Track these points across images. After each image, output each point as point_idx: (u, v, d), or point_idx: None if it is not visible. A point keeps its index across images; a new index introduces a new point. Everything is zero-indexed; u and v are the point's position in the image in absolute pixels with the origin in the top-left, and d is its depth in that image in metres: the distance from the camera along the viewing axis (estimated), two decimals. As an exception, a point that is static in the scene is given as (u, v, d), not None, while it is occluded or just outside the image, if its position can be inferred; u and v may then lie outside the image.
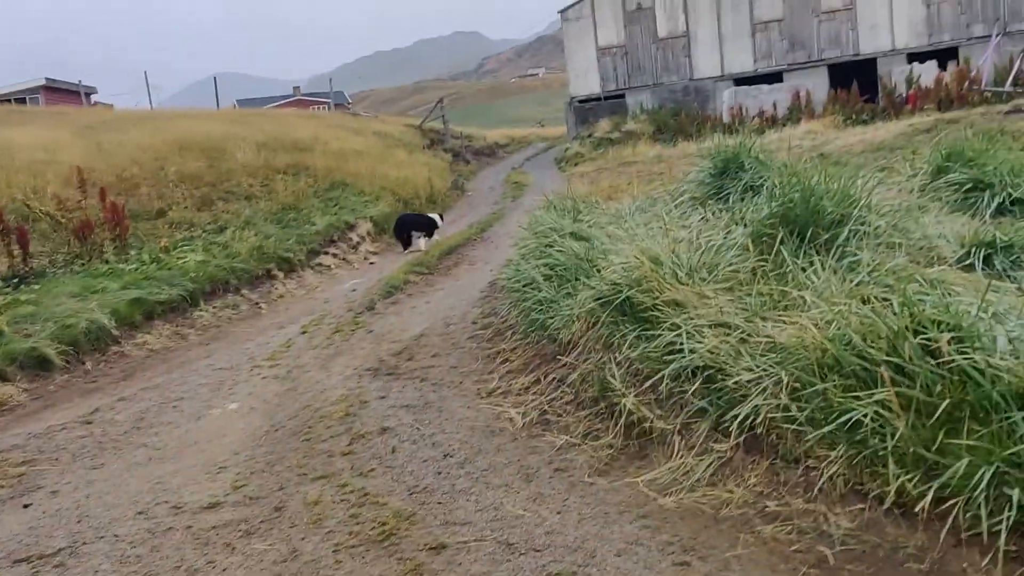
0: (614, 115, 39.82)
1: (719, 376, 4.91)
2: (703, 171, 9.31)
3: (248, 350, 9.92)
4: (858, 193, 6.50)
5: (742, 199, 8.02)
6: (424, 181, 26.05)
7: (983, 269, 5.82)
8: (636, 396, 5.45)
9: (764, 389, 4.56)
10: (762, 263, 5.86)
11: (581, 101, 42.55)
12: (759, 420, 4.53)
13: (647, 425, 5.28)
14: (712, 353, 5.02)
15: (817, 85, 35.57)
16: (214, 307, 12.41)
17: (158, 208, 16.93)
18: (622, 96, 41.45)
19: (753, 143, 9.23)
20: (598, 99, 42.07)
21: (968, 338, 3.99)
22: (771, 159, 8.99)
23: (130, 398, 8.20)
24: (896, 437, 3.83)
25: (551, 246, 8.19)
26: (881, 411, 3.92)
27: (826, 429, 4.11)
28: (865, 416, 3.94)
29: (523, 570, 4.06)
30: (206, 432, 6.88)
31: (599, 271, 6.69)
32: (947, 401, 3.77)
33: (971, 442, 3.61)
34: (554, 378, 6.60)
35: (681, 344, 5.22)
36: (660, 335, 5.45)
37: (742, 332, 5.08)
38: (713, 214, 7.68)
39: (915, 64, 33.69)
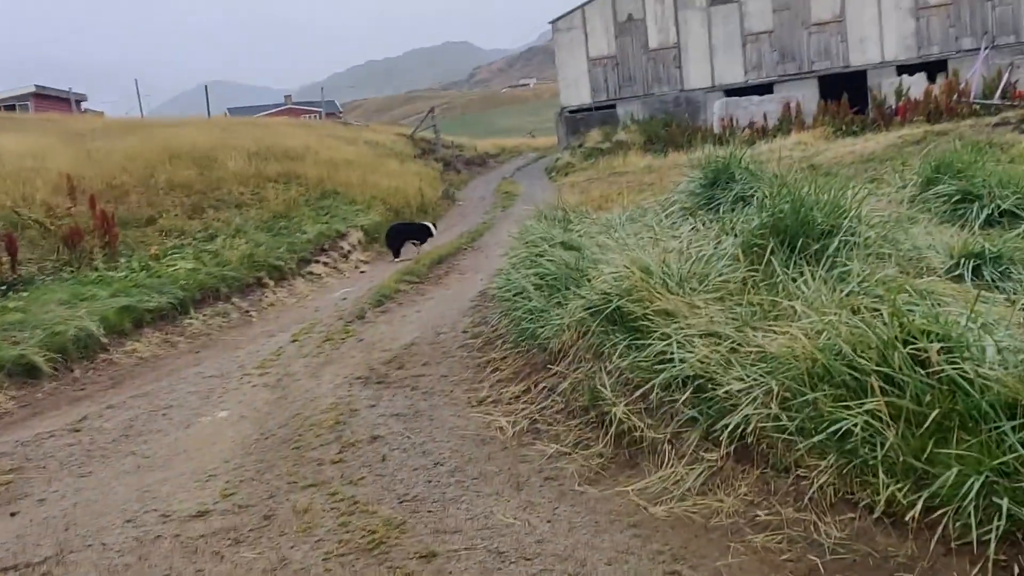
0: (605, 125, 39.92)
1: (709, 385, 4.92)
2: (693, 181, 9.33)
3: (238, 358, 9.89)
4: (848, 204, 6.52)
5: (732, 209, 8.03)
6: (415, 190, 26.05)
7: (972, 280, 5.84)
8: (626, 405, 5.45)
9: (754, 399, 4.56)
10: (752, 273, 5.87)
11: (572, 111, 42.66)
12: (749, 429, 4.53)
13: (637, 434, 5.28)
14: (702, 363, 5.02)
15: (807, 96, 35.74)
16: (204, 315, 12.38)
17: (148, 216, 16.87)
18: (613, 107, 41.56)
19: (743, 154, 9.26)
20: (589, 109, 42.18)
21: (957, 348, 4.01)
22: (761, 170, 9.01)
23: (119, 406, 8.16)
24: (886, 447, 3.84)
25: (541, 255, 8.20)
26: (871, 421, 3.93)
27: (816, 438, 4.12)
28: (855, 426, 3.95)
29: (513, 579, 4.06)
30: (195, 440, 6.85)
31: (589, 281, 6.70)
32: (937, 411, 3.78)
33: (961, 452, 3.63)
34: (544, 387, 6.60)
35: (671, 354, 5.23)
36: (650, 344, 5.46)
37: (732, 342, 5.09)
38: (704, 224, 7.69)
39: (904, 76, 33.91)
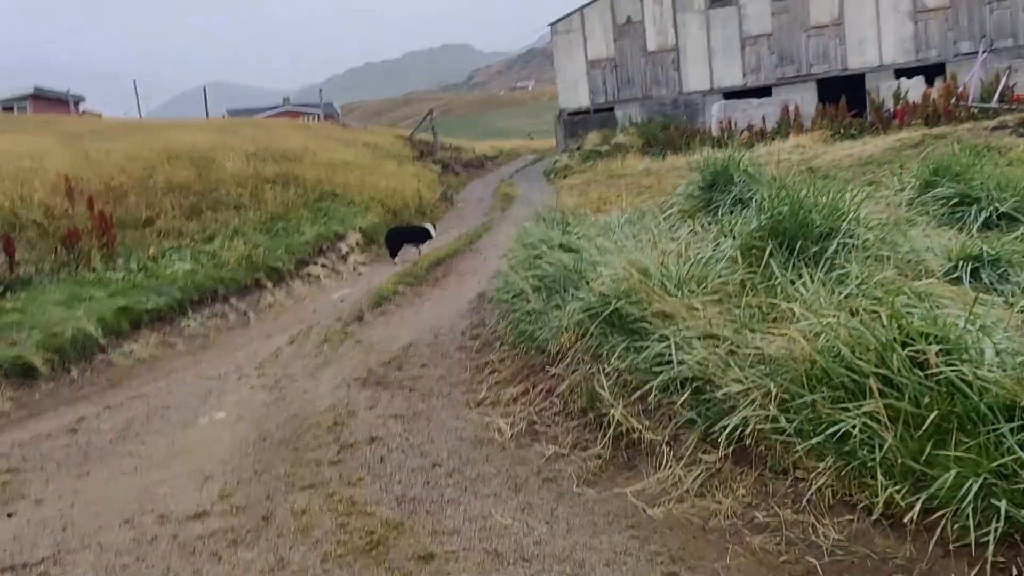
0: (603, 128, 39.90)
1: (708, 387, 4.92)
2: (692, 184, 9.35)
3: (236, 359, 9.88)
4: (846, 207, 6.53)
5: (731, 212, 8.04)
6: (413, 192, 26.04)
7: (970, 282, 5.84)
8: (625, 407, 5.45)
9: (753, 400, 4.57)
10: (751, 275, 5.88)
11: (571, 114, 42.66)
12: (748, 431, 4.54)
13: (636, 436, 5.28)
14: (701, 365, 5.03)
15: (806, 99, 35.74)
16: (202, 316, 12.35)
17: (146, 217, 16.84)
18: (611, 109, 41.56)
19: (742, 156, 9.28)
20: (587, 112, 42.19)
21: (956, 350, 4.01)
22: (760, 173, 9.02)
23: (116, 407, 8.15)
24: (884, 448, 3.85)
25: (540, 257, 8.21)
26: (869, 423, 3.93)
27: (815, 440, 4.12)
28: (853, 427, 3.96)
29: (511, 580, 4.06)
30: (193, 441, 6.84)
31: (588, 283, 6.70)
32: (935, 413, 3.79)
33: (959, 453, 3.63)
34: (543, 389, 6.60)
35: (670, 356, 5.23)
36: (649, 346, 5.46)
37: (731, 344, 5.10)
38: (702, 227, 7.71)
39: (903, 80, 33.91)
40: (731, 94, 38.48)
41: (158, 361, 10.47)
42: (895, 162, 16.23)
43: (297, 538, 4.70)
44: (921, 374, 3.96)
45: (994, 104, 26.22)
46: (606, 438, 5.46)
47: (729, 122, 33.56)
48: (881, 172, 13.80)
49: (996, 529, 3.40)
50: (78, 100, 55.04)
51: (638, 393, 5.45)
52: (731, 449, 4.65)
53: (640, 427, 5.28)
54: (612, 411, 5.47)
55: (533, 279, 7.88)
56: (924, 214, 7.88)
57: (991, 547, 3.39)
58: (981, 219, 7.62)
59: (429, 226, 19.01)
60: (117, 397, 8.63)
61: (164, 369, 9.95)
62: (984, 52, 33.47)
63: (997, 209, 7.70)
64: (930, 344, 4.05)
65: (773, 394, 4.46)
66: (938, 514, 3.59)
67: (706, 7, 39.21)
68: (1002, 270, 6.09)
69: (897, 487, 3.76)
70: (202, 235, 16.27)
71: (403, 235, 18.62)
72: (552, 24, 42.88)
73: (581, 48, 41.83)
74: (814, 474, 4.16)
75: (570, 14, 41.98)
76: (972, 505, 3.48)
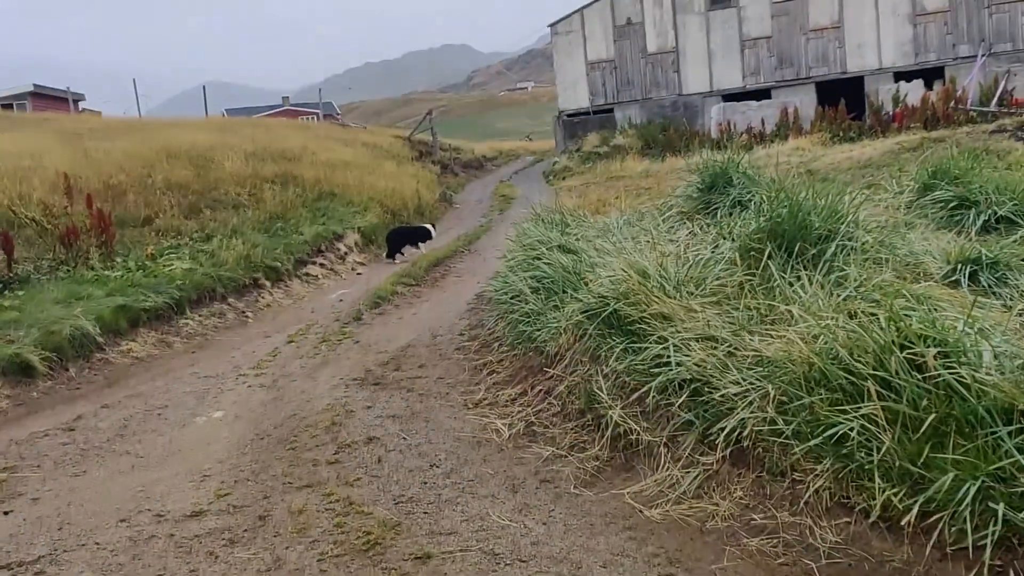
0: (602, 129, 39.93)
1: (706, 389, 4.92)
2: (691, 186, 9.36)
3: (234, 359, 9.88)
4: (845, 209, 6.53)
5: (730, 214, 8.06)
6: (412, 193, 26.04)
7: (969, 285, 5.85)
8: (623, 408, 5.45)
9: (751, 402, 4.57)
10: (750, 277, 5.88)
11: (570, 115, 42.67)
12: (745, 433, 4.54)
13: (633, 437, 5.28)
14: (699, 366, 5.03)
15: (805, 102, 35.76)
16: (200, 315, 12.34)
17: (145, 215, 16.83)
18: (611, 111, 41.59)
19: (741, 159, 9.28)
20: (587, 113, 42.20)
21: (954, 353, 4.02)
22: (759, 175, 9.03)
23: (114, 405, 8.14)
24: (882, 451, 3.85)
25: (539, 259, 8.21)
26: (867, 425, 3.93)
27: (812, 443, 4.12)
28: (851, 430, 3.96)
29: (508, 581, 4.05)
30: (190, 440, 6.84)
31: (586, 284, 6.70)
32: (933, 415, 3.79)
33: (957, 456, 3.63)
34: (541, 390, 6.60)
35: (668, 357, 5.23)
36: (647, 348, 5.46)
37: (729, 346, 5.10)
38: (701, 228, 7.71)
39: (902, 83, 33.93)
40: (730, 96, 38.51)
41: (156, 360, 10.45)
42: (894, 165, 16.25)
43: (294, 538, 4.70)
44: (919, 377, 3.97)
45: (993, 108, 26.23)
46: (604, 439, 5.46)
47: (728, 124, 33.57)
48: (880, 175, 13.83)
49: (994, 532, 3.40)
50: (77, 98, 55.03)
51: (636, 395, 5.45)
52: (729, 451, 4.66)
53: (638, 428, 5.28)
54: (610, 412, 5.47)
55: (532, 280, 7.88)
56: (923, 217, 7.89)
57: (988, 550, 3.39)
58: (980, 222, 7.63)
59: (429, 226, 19.12)
60: (115, 396, 8.62)
61: (162, 368, 9.94)
62: (983, 56, 33.50)
63: (996, 212, 7.71)
64: (928, 347, 4.05)
65: (771, 396, 4.46)
66: (936, 517, 3.59)
67: (706, 9, 39.25)
68: (1000, 273, 6.09)
69: (895, 490, 3.76)
70: (201, 234, 16.26)
71: (405, 235, 18.70)
72: (552, 25, 42.90)
73: (581, 49, 41.86)
74: (812, 476, 4.16)
75: (570, 15, 42.01)
76: (970, 508, 3.48)
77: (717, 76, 39.55)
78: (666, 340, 5.35)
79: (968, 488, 3.51)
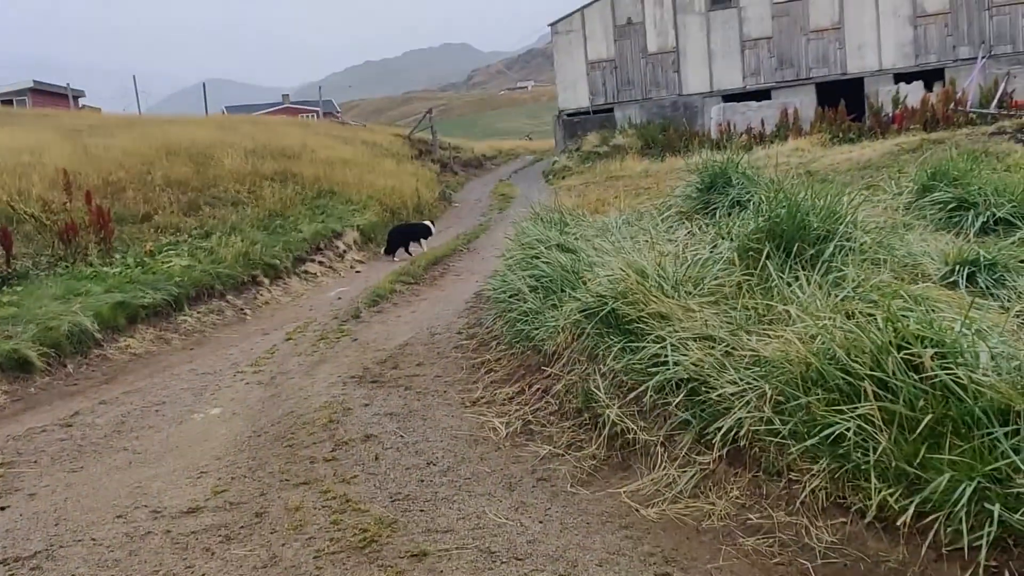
0: (602, 129, 39.94)
1: (703, 389, 4.92)
2: (690, 186, 9.36)
3: (232, 356, 9.88)
4: (844, 210, 6.53)
5: (729, 214, 8.06)
6: (412, 191, 26.05)
7: (966, 287, 5.85)
8: (620, 407, 5.45)
9: (748, 402, 4.56)
10: (748, 277, 5.88)
11: (570, 115, 42.68)
12: (742, 433, 4.54)
13: (630, 436, 5.28)
14: (696, 366, 5.03)
15: (805, 103, 35.77)
16: (198, 312, 12.35)
17: (144, 212, 16.85)
18: (611, 110, 41.60)
19: (741, 159, 9.28)
20: (587, 113, 42.21)
21: (951, 354, 4.02)
22: (758, 175, 9.03)
23: (111, 402, 8.14)
24: (878, 451, 3.85)
25: (537, 257, 8.21)
26: (864, 425, 3.93)
27: (809, 442, 4.12)
28: (848, 430, 3.96)
29: (504, 579, 4.05)
30: (187, 437, 6.84)
31: (585, 283, 6.70)
32: (929, 416, 3.79)
33: (953, 457, 3.63)
34: (538, 388, 6.60)
35: (666, 356, 5.23)
36: (645, 347, 5.46)
37: (727, 345, 5.10)
38: (700, 228, 7.71)
39: (902, 84, 33.94)
40: (730, 97, 38.53)
41: (154, 356, 10.46)
42: (893, 166, 16.26)
43: (290, 535, 4.70)
44: (916, 377, 3.96)
45: (993, 110, 26.24)
46: (601, 438, 5.47)
47: (728, 125, 33.57)
48: (879, 176, 13.83)
49: (989, 533, 3.40)
50: (77, 95, 55.07)
51: (633, 394, 5.45)
52: (725, 450, 4.66)
53: (635, 428, 5.28)
54: (607, 411, 5.47)
55: (530, 279, 7.88)
56: (921, 218, 7.89)
57: (984, 551, 3.39)
58: (978, 224, 7.63)
59: (429, 223, 19.33)
60: (112, 392, 8.62)
61: (160, 364, 9.94)
62: (983, 58, 33.54)
63: (994, 214, 7.71)
64: (925, 347, 4.05)
65: (768, 396, 4.46)
66: (931, 517, 3.60)
67: (706, 9, 39.26)
68: (998, 275, 6.09)
69: (891, 490, 3.76)
70: (200, 231, 16.29)
71: (406, 233, 18.84)
72: (552, 24, 42.92)
73: (581, 49, 41.87)
74: (808, 476, 4.16)
75: (571, 14, 42.02)
76: (965, 509, 3.48)
77: (717, 76, 39.57)
78: (664, 339, 5.35)
79: (964, 489, 3.51)
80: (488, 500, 4.98)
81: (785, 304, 5.21)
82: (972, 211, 7.85)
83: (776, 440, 4.34)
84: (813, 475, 4.13)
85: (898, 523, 3.70)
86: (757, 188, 8.27)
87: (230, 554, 4.54)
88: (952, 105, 27.02)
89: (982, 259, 6.18)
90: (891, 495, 3.75)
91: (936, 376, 3.89)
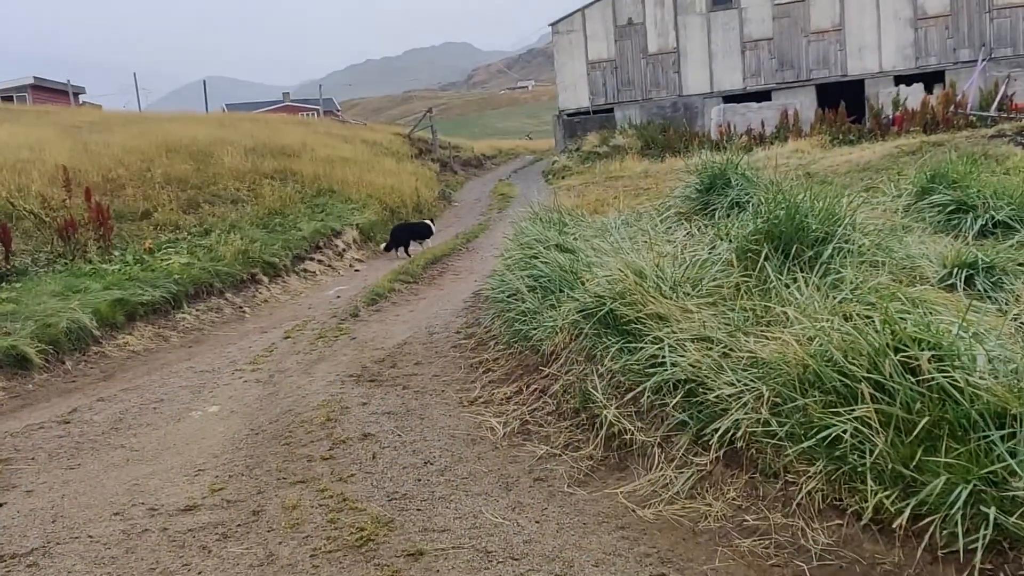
0: (602, 129, 39.95)
1: (700, 390, 4.92)
2: (690, 186, 9.36)
3: (230, 354, 9.88)
4: (843, 212, 6.54)
5: (728, 215, 8.06)
6: (411, 190, 26.06)
7: (965, 289, 5.86)
8: (617, 408, 5.46)
9: (745, 404, 4.57)
10: (746, 279, 5.89)
11: (570, 115, 42.69)
12: (739, 434, 4.54)
13: (628, 437, 5.29)
14: (694, 367, 5.03)
15: (805, 104, 35.79)
16: (197, 310, 12.35)
17: (143, 209, 16.86)
18: (611, 110, 41.61)
19: (740, 160, 9.29)
20: (587, 113, 42.23)
21: (948, 357, 4.02)
22: (758, 176, 9.04)
23: (109, 399, 8.14)
24: (875, 454, 3.85)
25: (536, 257, 8.21)
26: (860, 427, 3.94)
27: (805, 444, 4.13)
28: (844, 432, 3.96)
29: (500, 579, 4.06)
30: (185, 434, 6.84)
31: (583, 283, 6.70)
32: (926, 419, 3.79)
33: (949, 460, 3.64)
34: (536, 388, 6.60)
35: (663, 357, 5.23)
36: (642, 348, 5.46)
37: (724, 347, 5.10)
38: (699, 229, 7.71)
39: (902, 86, 33.95)
40: (731, 98, 38.54)
41: (152, 354, 10.46)
42: (893, 168, 16.26)
43: (287, 533, 4.70)
44: (913, 380, 3.97)
45: (992, 112, 26.24)
46: (598, 439, 5.47)
47: (728, 126, 33.56)
48: (879, 178, 13.83)
49: (985, 536, 3.41)
50: (78, 91, 55.02)
51: (631, 394, 5.45)
52: (722, 452, 4.66)
53: (632, 428, 5.28)
54: (604, 412, 5.47)
55: (529, 279, 7.88)
56: (920, 221, 7.89)
57: (979, 554, 3.39)
58: (977, 227, 7.63)
59: (429, 222, 19.51)
60: (110, 389, 8.62)
61: (158, 362, 9.94)
62: (983, 60, 33.57)
63: (993, 217, 7.72)
64: (923, 350, 4.05)
65: (765, 397, 4.46)
66: (927, 520, 3.60)
67: (707, 10, 39.28)
68: (996, 278, 6.10)
69: (887, 492, 3.77)
70: (199, 229, 16.30)
71: (409, 232, 18.94)
72: (553, 24, 42.94)
73: (582, 48, 41.89)
74: (804, 478, 4.16)
75: (571, 14, 42.04)
76: (961, 512, 3.49)
77: (717, 77, 39.59)
78: (661, 340, 5.35)
79: (960, 491, 3.52)
80: (485, 500, 4.99)
81: (783, 306, 5.22)
82: (971, 214, 7.85)
83: (773, 442, 4.35)
84: (810, 477, 4.13)
85: (894, 525, 3.70)
86: (756, 189, 8.28)
87: (227, 552, 4.54)
88: (952, 107, 27.01)
89: (980, 262, 6.19)
90: (887, 497, 3.75)
91: (933, 379, 3.90)
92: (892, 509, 3.72)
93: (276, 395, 7.72)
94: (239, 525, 4.87)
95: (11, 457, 6.53)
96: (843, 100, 32.39)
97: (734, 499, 4.48)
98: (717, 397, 4.74)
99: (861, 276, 5.60)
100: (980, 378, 3.88)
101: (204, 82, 69.98)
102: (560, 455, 5.55)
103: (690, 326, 5.42)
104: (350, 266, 17.78)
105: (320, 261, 17.07)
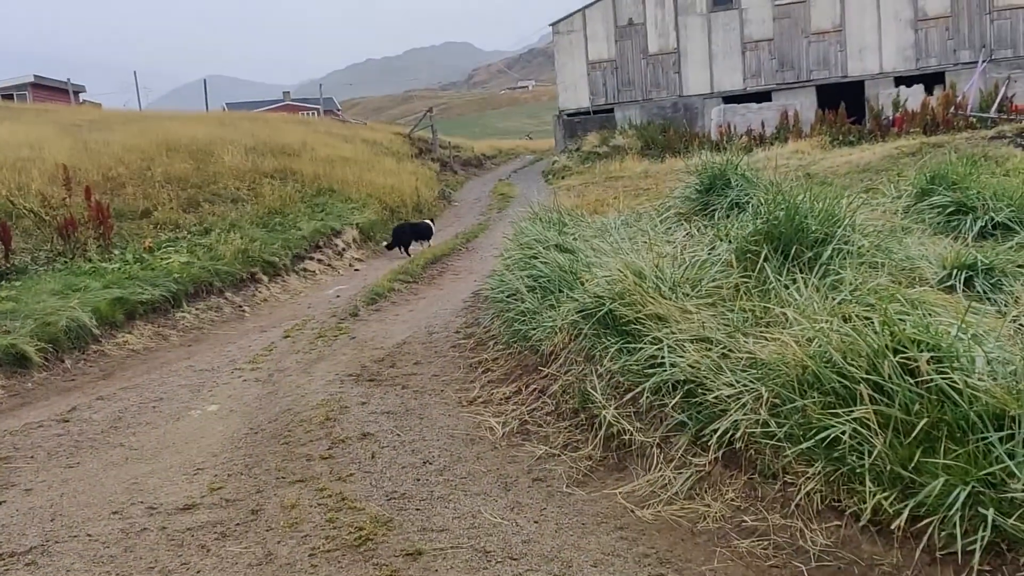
0: (602, 129, 39.94)
1: (699, 390, 4.92)
2: (689, 187, 9.36)
3: (230, 353, 9.88)
4: (842, 213, 6.54)
5: (727, 216, 8.07)
6: (411, 190, 26.06)
7: (964, 291, 5.86)
8: (616, 408, 5.46)
9: (744, 404, 4.57)
10: (745, 279, 5.89)
11: (570, 115, 42.69)
12: (738, 435, 4.54)
13: (626, 437, 5.29)
14: (693, 367, 5.03)
15: (805, 105, 35.79)
16: (197, 309, 12.35)
17: (143, 208, 16.86)
18: (611, 111, 41.60)
19: (740, 161, 9.29)
20: (587, 113, 42.22)
21: (947, 358, 4.02)
22: (757, 177, 9.04)
23: (109, 397, 8.14)
24: (874, 455, 3.85)
25: (535, 258, 8.21)
26: (859, 428, 3.94)
27: (804, 445, 4.13)
28: (843, 433, 3.96)
29: (499, 579, 4.06)
30: (184, 433, 6.84)
31: (583, 284, 6.70)
32: (925, 420, 3.79)
33: (948, 461, 3.64)
34: (535, 389, 6.60)
35: (662, 358, 5.23)
36: (642, 348, 5.47)
37: (723, 347, 5.10)
38: (698, 230, 7.71)
39: (902, 87, 33.95)
40: (731, 98, 38.53)
41: (152, 353, 10.46)
42: (892, 169, 16.27)
43: (286, 532, 4.70)
44: (912, 381, 3.97)
45: (993, 114, 26.25)
46: (597, 439, 5.47)
47: (728, 126, 33.56)
48: (878, 179, 13.84)
49: (983, 537, 3.41)
50: (78, 90, 54.99)
51: (630, 395, 5.46)
52: (721, 452, 4.66)
53: (631, 429, 5.29)
54: (604, 412, 5.47)
55: (528, 279, 7.88)
56: (920, 222, 7.90)
57: (977, 555, 3.40)
58: (976, 228, 7.64)
59: (429, 221, 19.61)
60: (110, 388, 8.62)
61: (157, 361, 9.94)
62: (984, 62, 33.57)
63: (993, 219, 7.73)
64: (922, 352, 4.05)
65: (764, 398, 4.46)
66: (926, 521, 3.60)
67: (708, 10, 39.27)
68: (996, 279, 6.10)
69: (885, 493, 3.77)
70: (199, 228, 16.30)
71: (411, 232, 19.02)
72: (553, 24, 42.92)
73: (582, 49, 41.88)
74: (803, 479, 4.16)
75: (572, 14, 42.03)
76: (959, 513, 3.49)
77: (718, 78, 39.59)
78: (661, 341, 5.35)
79: (958, 493, 3.52)
80: (484, 500, 4.99)
81: (782, 307, 5.22)
82: (970, 215, 7.86)
83: (772, 443, 4.35)
84: (808, 478, 4.13)
85: (892, 527, 3.70)
86: (756, 190, 8.28)
87: (225, 551, 4.55)
88: (952, 109, 27.02)
89: (980, 263, 6.20)
90: (886, 499, 3.75)
91: (932, 380, 3.90)
92: (891, 510, 3.72)
93: (275, 394, 7.72)
94: (238, 524, 4.87)
95: (10, 455, 6.53)
96: (843, 101, 32.40)
97: (733, 500, 4.48)
98: (716, 398, 4.75)
99: (860, 277, 5.60)
100: (979, 380, 3.89)
101: (204, 81, 69.98)
102: (559, 455, 5.55)
103: (689, 327, 5.42)
104: (350, 265, 17.78)
105: (320, 260, 17.07)
